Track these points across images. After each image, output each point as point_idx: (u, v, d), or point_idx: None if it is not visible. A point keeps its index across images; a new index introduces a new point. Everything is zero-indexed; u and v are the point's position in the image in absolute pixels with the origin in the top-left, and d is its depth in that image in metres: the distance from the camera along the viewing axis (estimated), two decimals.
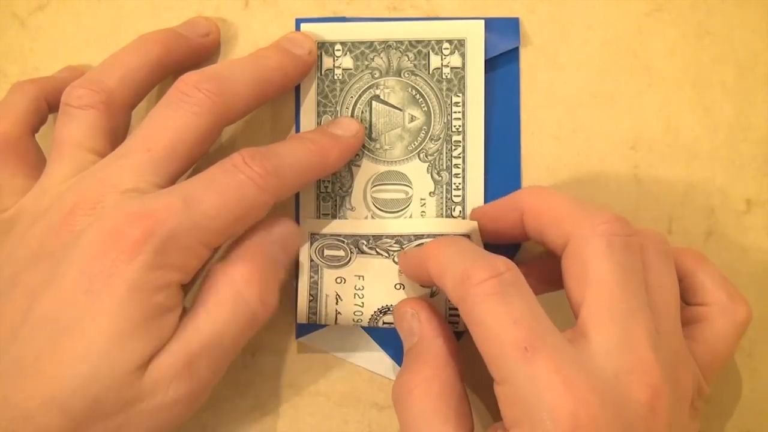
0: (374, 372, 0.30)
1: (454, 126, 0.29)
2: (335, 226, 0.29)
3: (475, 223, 0.28)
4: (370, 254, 0.29)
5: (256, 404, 0.30)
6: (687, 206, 0.30)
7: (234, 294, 0.24)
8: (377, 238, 0.29)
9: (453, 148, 0.29)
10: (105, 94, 0.26)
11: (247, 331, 0.25)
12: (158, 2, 0.31)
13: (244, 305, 0.24)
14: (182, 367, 0.23)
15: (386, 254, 0.29)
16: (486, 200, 0.30)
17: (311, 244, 0.29)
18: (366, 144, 0.29)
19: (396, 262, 0.29)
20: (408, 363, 0.26)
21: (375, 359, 0.30)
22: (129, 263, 0.22)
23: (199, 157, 0.26)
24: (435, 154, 0.29)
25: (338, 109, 0.29)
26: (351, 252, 0.29)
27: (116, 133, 0.27)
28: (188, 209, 0.23)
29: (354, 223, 0.29)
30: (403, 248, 0.28)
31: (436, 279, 0.25)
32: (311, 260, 0.29)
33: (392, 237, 0.29)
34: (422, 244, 0.28)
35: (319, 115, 0.29)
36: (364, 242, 0.29)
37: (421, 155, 0.29)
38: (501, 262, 0.23)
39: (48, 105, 0.28)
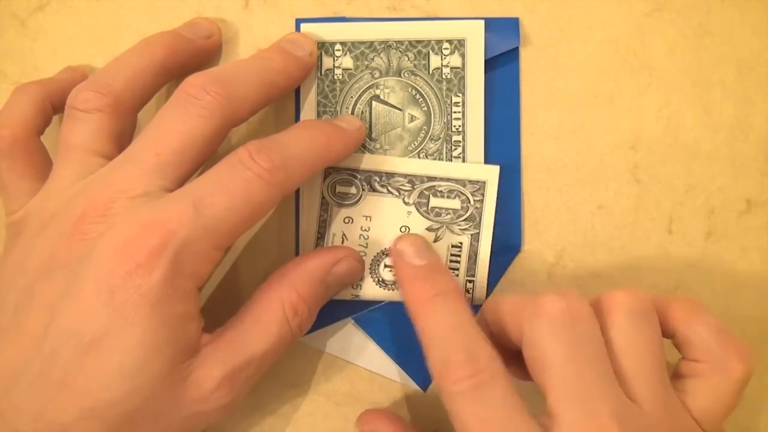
0: (374, 372, 0.31)
1: (454, 126, 0.30)
2: (350, 161, 0.30)
3: (495, 169, 0.29)
4: (381, 192, 0.30)
5: (256, 404, 0.31)
6: (687, 206, 0.31)
7: (281, 318, 0.26)
8: (390, 175, 0.30)
9: (453, 148, 0.30)
10: (112, 97, 0.27)
11: (282, 351, 0.27)
12: (158, 2, 0.31)
13: (287, 330, 0.26)
14: (225, 378, 0.25)
15: (397, 193, 0.30)
16: None
17: (324, 179, 0.30)
18: (366, 144, 0.30)
19: (406, 203, 0.30)
20: None
21: (375, 359, 0.31)
22: (147, 276, 0.23)
23: (207, 159, 0.26)
24: (435, 154, 0.30)
25: (338, 109, 0.30)
26: (362, 189, 0.30)
27: (123, 135, 0.28)
28: (199, 215, 0.24)
29: (369, 158, 0.30)
30: (414, 188, 0.30)
31: (421, 344, 0.26)
32: (322, 197, 0.30)
33: (405, 176, 0.30)
34: (433, 187, 0.30)
35: (319, 115, 0.30)
36: (377, 179, 0.30)
37: (421, 155, 0.30)
38: (484, 354, 0.24)
39: (52, 107, 0.29)
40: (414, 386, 0.31)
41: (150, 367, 0.23)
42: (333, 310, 0.30)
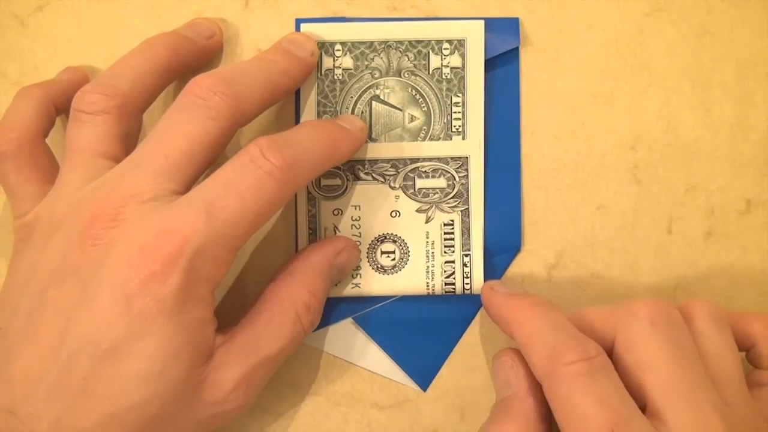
0: (374, 372, 0.31)
1: (454, 126, 0.30)
2: None
3: (474, 143, 0.30)
4: (366, 180, 0.30)
5: (256, 404, 0.31)
6: (687, 206, 0.31)
7: (294, 318, 0.27)
8: (373, 162, 0.30)
9: None
10: (118, 99, 0.27)
11: (295, 348, 0.27)
12: (158, 2, 0.32)
13: (300, 328, 0.27)
14: (241, 380, 0.25)
15: (382, 179, 0.30)
16: (486, 200, 0.30)
17: None
18: (366, 144, 0.30)
19: (392, 187, 0.30)
20: (496, 416, 0.26)
21: (375, 359, 0.31)
22: (163, 284, 0.23)
23: (215, 160, 0.27)
24: None
25: (338, 109, 0.30)
26: (347, 179, 0.30)
27: (129, 137, 0.28)
28: (212, 220, 0.24)
29: None
30: (399, 172, 0.30)
31: (521, 346, 0.26)
32: (308, 192, 0.30)
33: (388, 161, 0.30)
34: (417, 168, 0.30)
35: (319, 115, 0.30)
36: (360, 167, 0.30)
37: None
38: (592, 346, 0.25)
39: (56, 108, 0.29)
40: (414, 386, 0.31)
41: (169, 373, 0.24)
42: (333, 310, 0.31)
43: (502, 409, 0.26)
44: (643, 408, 0.24)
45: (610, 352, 0.25)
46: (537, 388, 0.26)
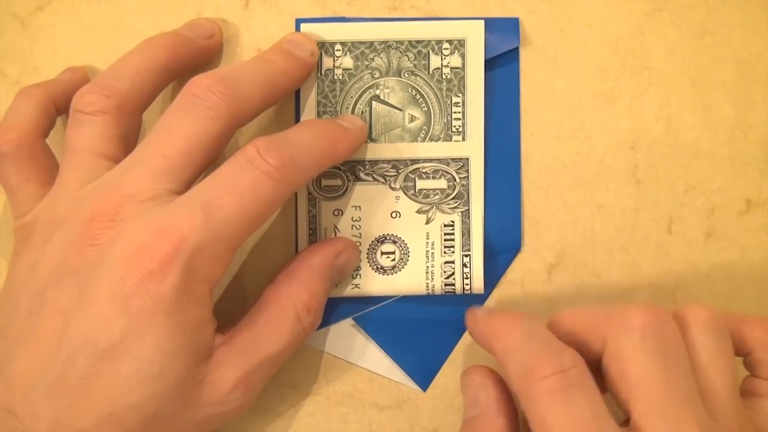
0: (374, 372, 0.31)
1: (454, 126, 0.30)
2: None
3: (475, 144, 0.30)
4: (367, 180, 0.30)
5: (256, 404, 0.31)
6: (687, 206, 0.31)
7: (294, 319, 0.27)
8: (374, 163, 0.30)
9: None
10: (117, 99, 0.27)
11: (295, 349, 0.28)
12: (158, 2, 0.32)
13: (300, 329, 0.27)
14: (240, 380, 0.26)
15: (382, 180, 0.30)
16: (486, 201, 0.31)
17: None
18: (366, 144, 0.30)
19: (393, 188, 0.30)
20: None
21: (375, 359, 0.31)
22: (160, 283, 0.23)
23: (214, 160, 0.27)
24: None
25: (338, 109, 0.30)
26: (347, 180, 0.30)
27: (128, 137, 0.28)
28: (209, 220, 0.24)
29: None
30: (399, 173, 0.30)
31: (499, 361, 0.25)
32: (309, 193, 0.31)
33: (389, 162, 0.30)
34: (418, 169, 0.30)
35: (319, 115, 0.30)
36: (361, 168, 0.30)
37: None
38: (568, 356, 0.24)
39: (56, 109, 0.29)
40: (414, 386, 0.31)
41: (168, 372, 0.24)
42: (333, 310, 0.31)
43: (469, 429, 0.26)
44: (629, 420, 0.24)
45: (600, 356, 0.25)
46: (507, 406, 0.26)
